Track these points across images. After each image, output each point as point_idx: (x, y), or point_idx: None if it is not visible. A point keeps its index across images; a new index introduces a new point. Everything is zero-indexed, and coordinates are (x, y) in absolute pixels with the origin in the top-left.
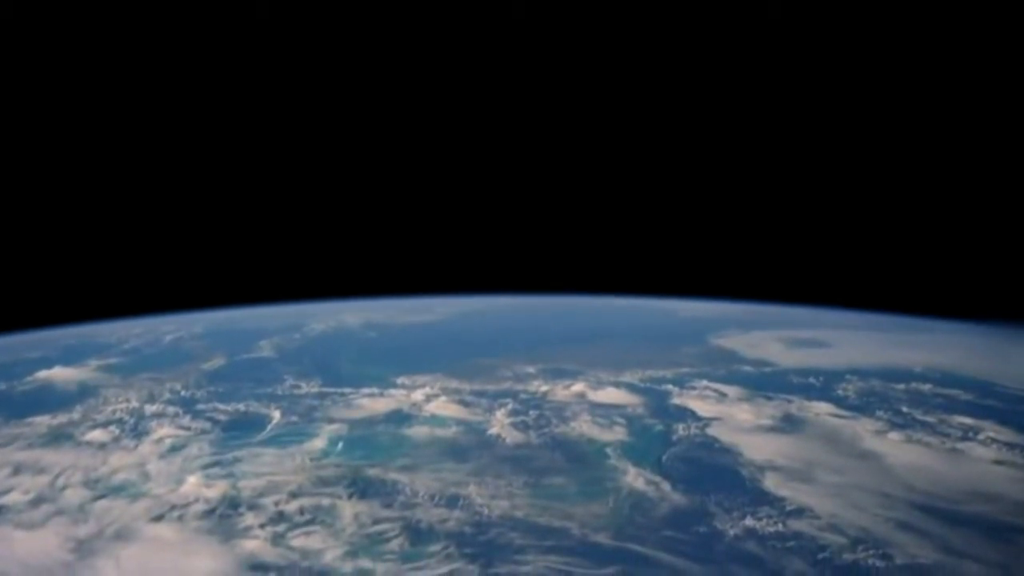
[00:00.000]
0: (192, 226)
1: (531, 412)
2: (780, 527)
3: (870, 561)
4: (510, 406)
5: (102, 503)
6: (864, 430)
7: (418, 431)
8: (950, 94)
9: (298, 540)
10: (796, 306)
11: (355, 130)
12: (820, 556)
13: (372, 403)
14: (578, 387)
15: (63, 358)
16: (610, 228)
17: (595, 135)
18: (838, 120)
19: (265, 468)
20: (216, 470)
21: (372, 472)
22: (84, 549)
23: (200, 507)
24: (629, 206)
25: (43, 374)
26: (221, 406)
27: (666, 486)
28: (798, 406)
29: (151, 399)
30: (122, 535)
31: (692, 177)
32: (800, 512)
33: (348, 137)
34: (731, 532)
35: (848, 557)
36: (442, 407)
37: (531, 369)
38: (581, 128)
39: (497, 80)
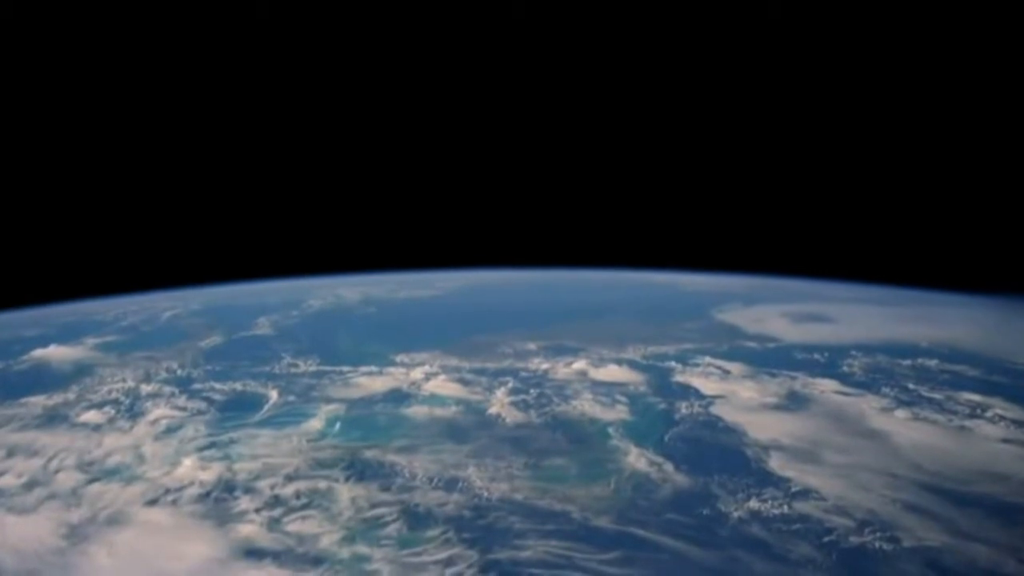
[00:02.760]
0: (191, 202)
1: (532, 391)
2: (785, 509)
3: (877, 544)
4: (510, 384)
5: (96, 487)
6: (870, 408)
7: (417, 411)
8: (953, 68)
9: (294, 525)
10: (799, 279)
11: (354, 105)
12: (826, 539)
13: (370, 382)
14: (579, 364)
15: (59, 336)
16: (611, 201)
17: (595, 108)
18: (840, 93)
19: (261, 450)
20: (212, 452)
21: (370, 454)
22: (77, 534)
23: (195, 491)
24: (630, 179)
25: (39, 353)
26: (218, 385)
27: (669, 467)
28: (803, 383)
29: (147, 378)
30: (115, 520)
31: (693, 149)
32: (806, 493)
33: (347, 112)
34: (735, 515)
35: (855, 540)
36: (441, 386)
37: (532, 346)
38: (581, 101)
39: (492, 58)
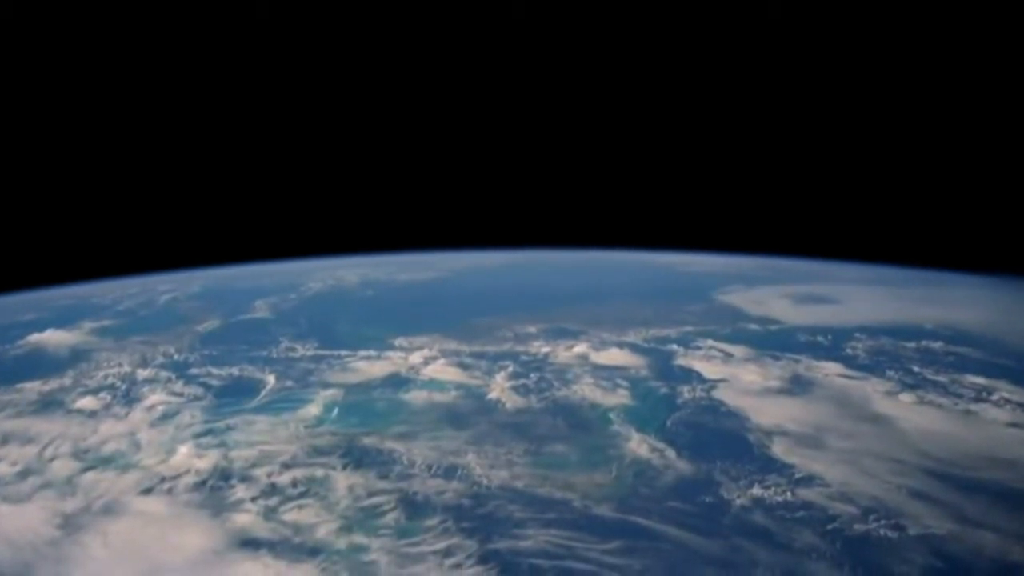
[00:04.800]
0: (191, 183)
1: (532, 375)
2: (788, 496)
3: (882, 532)
4: (510, 368)
5: (90, 475)
6: (874, 391)
7: (416, 396)
8: (955, 49)
9: (290, 514)
10: (802, 259)
11: (353, 88)
12: (830, 527)
13: (369, 366)
14: (580, 348)
15: (56, 320)
16: (611, 180)
17: (596, 89)
18: (842, 74)
19: (258, 437)
20: (208, 439)
21: (368, 440)
22: (71, 524)
23: (191, 479)
24: (630, 158)
25: (35, 337)
26: (215, 370)
27: (671, 453)
28: (806, 366)
29: (144, 363)
30: (110, 509)
31: (694, 127)
32: (809, 480)
33: (347, 93)
34: (738, 502)
35: (859, 528)
36: (440, 370)
37: (532, 329)
38: (581, 83)
39: (488, 41)
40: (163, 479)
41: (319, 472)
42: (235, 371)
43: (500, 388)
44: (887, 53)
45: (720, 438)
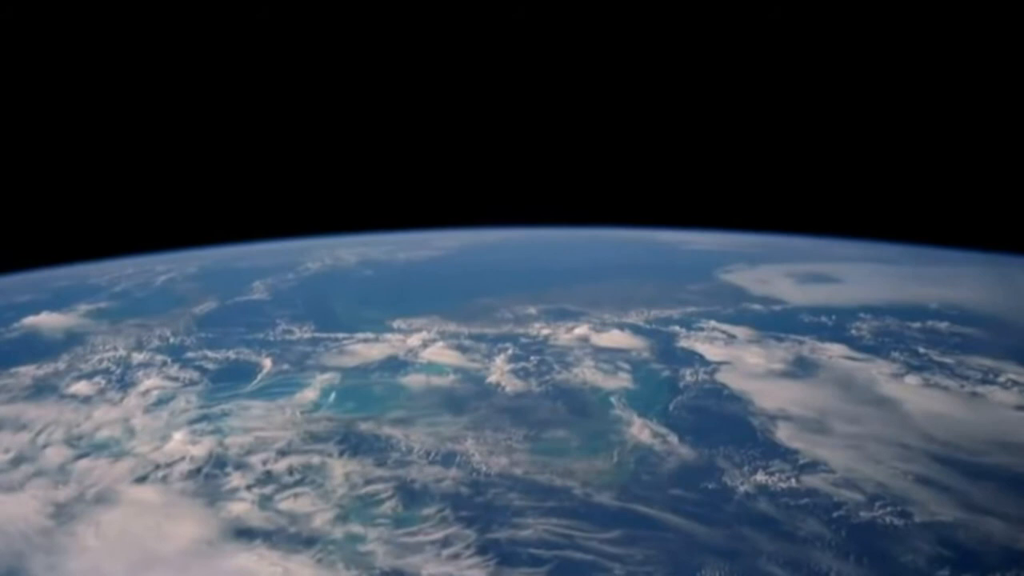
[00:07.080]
0: (190, 163)
1: (532, 358)
2: (793, 483)
3: (888, 520)
4: (510, 351)
5: (84, 463)
6: (880, 373)
7: (414, 380)
8: (953, 28)
9: (286, 503)
10: (806, 237)
11: (352, 70)
12: (835, 514)
13: (367, 349)
14: (581, 330)
15: (52, 302)
16: (612, 158)
17: (596, 69)
18: (845, 53)
19: (254, 423)
20: (203, 425)
21: (365, 426)
22: (64, 514)
23: (185, 466)
24: (631, 135)
25: (30, 320)
26: (211, 354)
27: (673, 438)
28: (810, 348)
29: (139, 347)
30: (103, 498)
31: (696, 105)
32: (814, 466)
33: (345, 69)
34: (741, 489)
35: (865, 515)
36: (439, 353)
37: (532, 310)
38: (581, 61)
39: (486, 23)
40: (157, 467)
41: (315, 459)
42: (231, 354)
43: (499, 371)
44: (887, 35)
45: (723, 423)
